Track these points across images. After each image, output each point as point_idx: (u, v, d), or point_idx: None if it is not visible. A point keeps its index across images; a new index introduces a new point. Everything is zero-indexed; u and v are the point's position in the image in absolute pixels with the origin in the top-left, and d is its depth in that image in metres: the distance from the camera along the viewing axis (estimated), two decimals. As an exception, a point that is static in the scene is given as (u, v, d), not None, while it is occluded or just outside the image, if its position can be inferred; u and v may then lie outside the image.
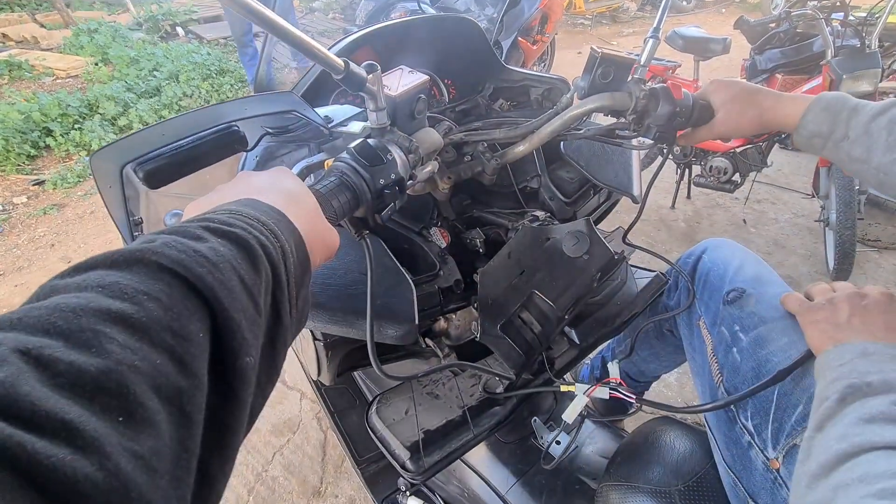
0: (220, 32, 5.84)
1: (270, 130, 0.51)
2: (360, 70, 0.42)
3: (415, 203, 0.79)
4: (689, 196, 2.83)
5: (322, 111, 0.51)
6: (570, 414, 0.69)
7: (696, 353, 0.76)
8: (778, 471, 0.54)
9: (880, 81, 2.00)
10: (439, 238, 0.81)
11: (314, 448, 1.60)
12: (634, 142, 0.84)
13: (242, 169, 0.65)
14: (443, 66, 0.99)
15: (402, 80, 0.49)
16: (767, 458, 0.56)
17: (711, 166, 2.42)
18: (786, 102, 0.64)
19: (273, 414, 1.72)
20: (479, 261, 0.87)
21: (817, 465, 0.37)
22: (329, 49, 0.73)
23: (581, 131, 0.80)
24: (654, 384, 1.21)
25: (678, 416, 1.56)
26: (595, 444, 0.93)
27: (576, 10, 6.58)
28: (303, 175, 0.48)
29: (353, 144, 0.44)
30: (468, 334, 0.88)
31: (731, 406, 0.63)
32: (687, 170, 2.59)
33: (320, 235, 0.37)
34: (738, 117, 0.66)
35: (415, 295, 0.61)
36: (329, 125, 0.49)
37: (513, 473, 0.91)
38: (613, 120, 0.80)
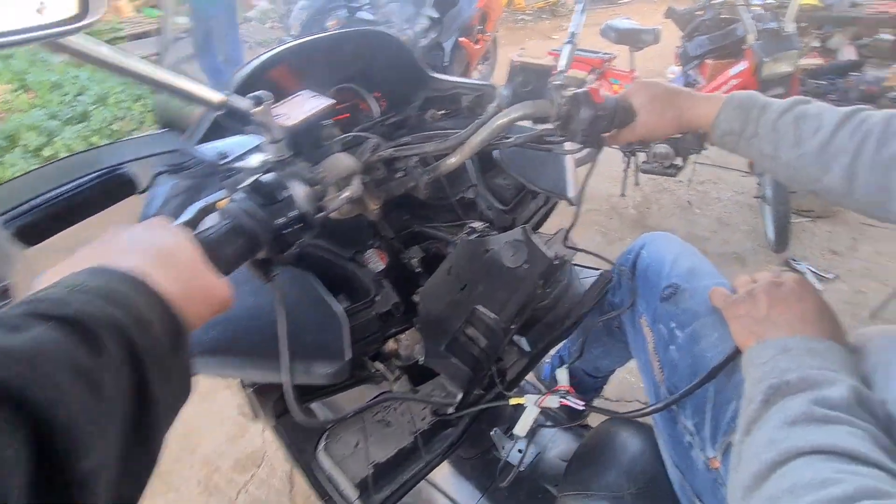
0: (150, 49, 5.55)
1: (164, 169, 0.47)
2: (243, 103, 0.39)
3: (346, 227, 0.76)
4: (637, 183, 2.92)
5: (217, 145, 0.48)
6: (521, 427, 0.68)
7: (640, 351, 0.77)
8: (718, 470, 0.55)
9: (798, 62, 2.12)
10: (377, 260, 0.78)
11: (281, 480, 1.53)
12: (566, 145, 0.84)
13: (147, 210, 0.60)
14: (370, 80, 0.96)
15: (305, 107, 0.46)
16: (707, 458, 0.57)
17: (655, 153, 2.50)
18: (701, 103, 0.65)
19: (235, 449, 1.64)
20: (421, 278, 0.85)
21: (749, 476, 0.37)
22: (240, 71, 0.69)
23: (511, 139, 0.79)
24: (615, 373, 1.23)
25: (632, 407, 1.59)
26: (557, 447, 0.93)
27: (516, 7, 6.68)
28: (197, 219, 0.44)
29: (244, 184, 0.41)
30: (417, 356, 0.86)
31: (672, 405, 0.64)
32: (633, 158, 2.66)
33: (202, 291, 0.34)
34: (657, 118, 0.67)
35: (346, 328, 0.58)
36: (223, 161, 0.45)
37: (477, 488, 0.90)
38: (542, 126, 0.80)
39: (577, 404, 0.64)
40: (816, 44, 4.40)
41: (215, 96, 0.37)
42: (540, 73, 0.65)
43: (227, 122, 0.38)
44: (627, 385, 1.72)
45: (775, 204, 2.13)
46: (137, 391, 0.27)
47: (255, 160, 0.45)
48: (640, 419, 0.69)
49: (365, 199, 0.73)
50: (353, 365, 0.84)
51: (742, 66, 2.24)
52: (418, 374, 0.85)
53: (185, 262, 0.34)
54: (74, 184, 0.44)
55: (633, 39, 2.54)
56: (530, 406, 0.68)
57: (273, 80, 0.77)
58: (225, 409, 1.78)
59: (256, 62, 0.67)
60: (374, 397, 0.63)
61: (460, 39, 3.45)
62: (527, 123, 0.87)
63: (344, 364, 0.55)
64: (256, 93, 0.40)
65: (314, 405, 1.16)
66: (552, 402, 0.67)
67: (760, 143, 0.60)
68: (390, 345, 0.89)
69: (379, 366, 0.85)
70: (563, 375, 0.71)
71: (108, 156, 0.44)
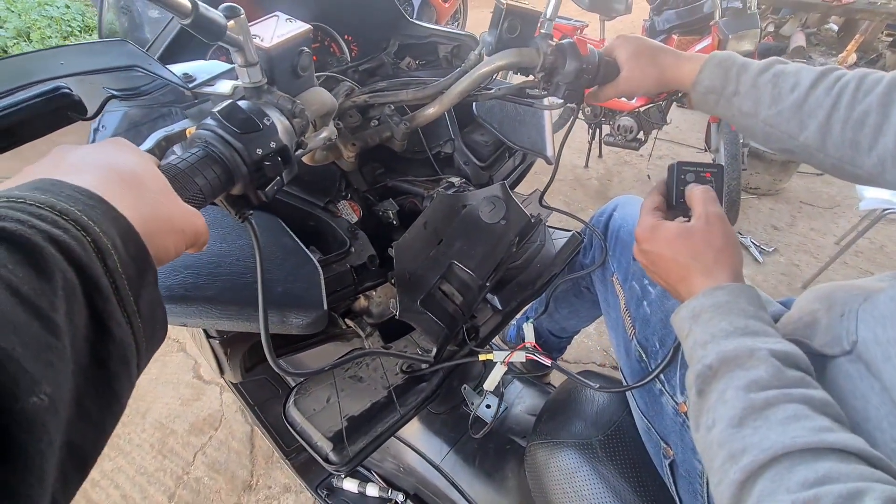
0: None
1: (116, 93, 0.41)
2: (215, 14, 0.34)
3: (318, 175, 0.71)
4: (600, 155, 2.97)
5: (182, 67, 0.42)
6: (490, 382, 0.69)
7: (611, 308, 0.79)
8: (685, 414, 0.58)
9: (758, 41, 2.19)
10: (349, 212, 0.75)
11: (240, 442, 1.50)
12: (546, 101, 0.83)
13: (92, 143, 0.53)
14: (342, 21, 0.90)
15: (277, 30, 0.42)
16: (676, 403, 0.60)
17: (619, 125, 2.54)
18: (684, 61, 0.65)
19: (190, 412, 1.58)
20: (395, 233, 0.82)
21: (727, 496, 0.36)
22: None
23: (491, 91, 0.77)
24: (575, 337, 1.27)
25: (597, 368, 1.66)
26: (524, 402, 0.95)
27: (487, -32, 6.45)
28: (160, 148, 0.39)
29: (218, 108, 0.36)
30: (390, 311, 0.84)
31: (643, 357, 0.67)
32: (598, 130, 2.70)
33: (170, 221, 0.30)
34: (640, 74, 0.67)
35: (322, 277, 0.55)
36: (190, 84, 0.40)
37: (446, 442, 0.91)
38: (523, 79, 0.77)
39: (544, 360, 0.65)
40: (770, 28, 4.58)
41: (183, 2, 0.32)
42: (528, 18, 0.62)
43: (195, 32, 0.33)
44: (585, 348, 1.79)
45: (728, 180, 2.23)
46: (95, 324, 0.24)
47: (225, 86, 0.41)
48: (607, 375, 0.71)
49: (339, 146, 0.69)
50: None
51: (707, 41, 2.29)
52: (389, 332, 0.84)
53: (149, 187, 0.30)
54: (7, 102, 0.37)
55: (605, 7, 2.50)
56: (498, 364, 0.69)
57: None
58: (179, 373, 1.71)
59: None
60: (349, 352, 0.61)
61: (430, -4, 3.30)
62: (506, 77, 0.84)
63: (321, 314, 0.52)
64: (228, 4, 0.36)
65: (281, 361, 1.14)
66: (519, 357, 0.68)
67: (741, 101, 0.61)
68: (361, 301, 0.87)
69: (350, 323, 0.83)
70: (529, 330, 0.72)
71: (41, 65, 0.37)
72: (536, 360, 0.75)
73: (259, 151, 0.37)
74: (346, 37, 0.91)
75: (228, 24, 0.35)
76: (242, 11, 0.37)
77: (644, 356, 0.67)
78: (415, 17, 3.41)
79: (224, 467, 1.45)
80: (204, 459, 1.47)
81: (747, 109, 0.61)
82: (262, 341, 0.43)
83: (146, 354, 0.29)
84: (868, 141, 0.53)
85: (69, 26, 3.75)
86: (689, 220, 0.52)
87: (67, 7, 4.00)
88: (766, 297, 0.68)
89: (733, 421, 0.37)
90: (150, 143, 0.39)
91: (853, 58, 3.89)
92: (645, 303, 0.69)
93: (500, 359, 0.69)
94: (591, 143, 2.79)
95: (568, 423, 0.70)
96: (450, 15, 3.73)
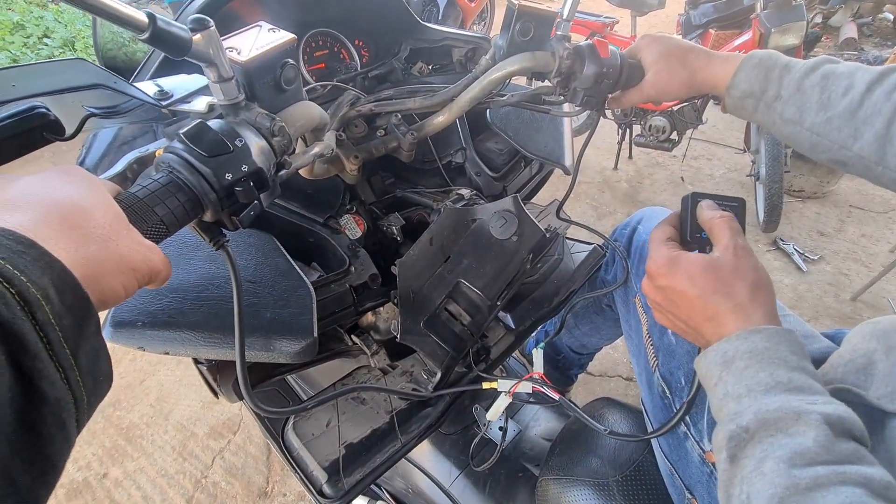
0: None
1: (95, 111, 0.39)
2: (178, 28, 0.31)
3: (321, 188, 0.68)
4: (630, 156, 2.86)
5: (160, 82, 0.40)
6: (494, 412, 0.64)
7: (633, 332, 0.73)
8: (714, 464, 0.52)
9: (804, 34, 2.04)
10: (353, 226, 0.72)
11: (258, 447, 1.51)
12: (565, 107, 0.77)
13: (83, 163, 0.52)
14: (352, 26, 0.87)
15: (258, 42, 0.39)
16: (703, 451, 0.54)
17: (650, 125, 2.43)
18: (717, 62, 0.58)
19: (210, 415, 1.60)
20: (403, 248, 0.79)
21: None
22: (191, 4, 0.60)
23: (504, 97, 0.72)
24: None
25: (622, 389, 1.57)
26: (539, 425, 0.90)
27: (515, -35, 6.34)
28: (132, 171, 0.37)
29: (185, 129, 0.33)
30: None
31: (666, 393, 0.60)
32: (628, 130, 2.59)
33: (119, 260, 0.27)
34: (668, 78, 0.60)
35: (314, 302, 0.52)
36: (165, 102, 0.38)
37: (456, 466, 0.87)
38: (539, 84, 0.72)
39: (551, 394, 0.59)
40: (818, 20, 4.30)
41: (139, 16, 0.29)
42: (543, 19, 0.57)
43: (156, 48, 0.31)
44: (611, 360, 1.71)
45: (768, 183, 2.09)
46: (22, 385, 0.21)
47: (201, 103, 0.38)
48: (629, 403, 0.65)
49: (342, 158, 0.66)
50: (328, 337, 0.79)
51: (747, 36, 2.15)
52: (397, 348, 0.80)
53: (97, 223, 0.27)
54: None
55: (637, 3, 2.40)
56: (503, 396, 0.64)
57: (235, 16, 0.68)
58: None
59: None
60: (345, 378, 0.58)
61: (455, -5, 3.25)
62: (522, 80, 0.79)
63: (310, 342, 0.49)
64: (195, 16, 0.33)
65: (291, 377, 1.12)
66: (525, 387, 0.63)
67: (783, 107, 0.54)
68: (368, 317, 0.83)
69: (356, 339, 0.80)
70: (537, 358, 0.66)
71: (3, 85, 0.35)
72: (560, 371, 0.70)
73: (229, 176, 0.34)
74: (356, 42, 0.88)
75: (194, 37, 0.32)
76: (212, 23, 0.34)
77: (667, 392, 0.61)
78: (440, 17, 3.39)
79: (241, 472, 1.45)
80: (222, 463, 1.48)
81: (791, 116, 0.54)
82: (239, 378, 0.40)
83: (88, 410, 0.26)
84: None
85: (109, 35, 3.92)
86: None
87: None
88: (809, 331, 0.61)
89: (772, 501, 0.31)
90: (120, 166, 0.37)
91: (912, 49, 3.61)
92: (669, 331, 0.63)
93: (504, 388, 0.64)
94: (620, 144, 2.68)
95: (583, 459, 0.65)
96: (476, 14, 3.67)
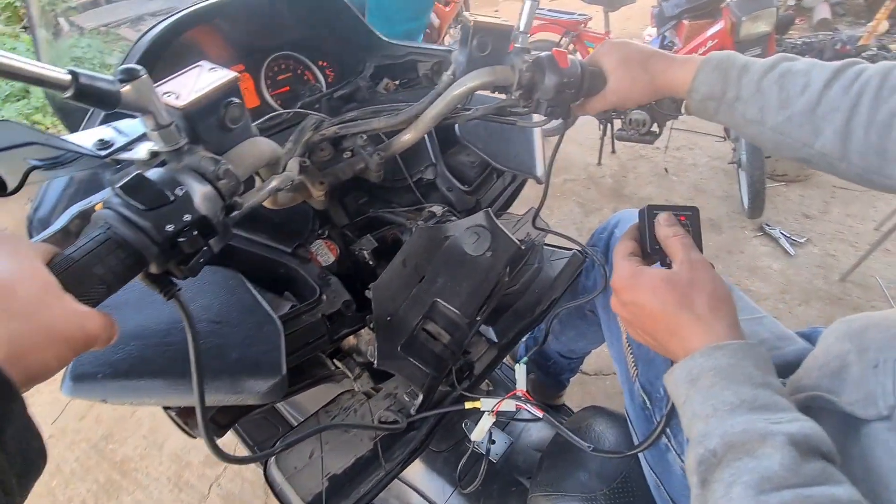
0: (100, 19, 5.11)
1: (38, 163, 0.38)
2: (104, 82, 0.30)
3: (288, 217, 0.67)
4: (613, 151, 2.86)
5: (102, 130, 0.38)
6: (478, 433, 0.63)
7: (614, 339, 0.72)
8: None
9: (775, 20, 2.06)
10: (325, 252, 0.71)
11: (254, 472, 1.49)
12: (534, 116, 0.76)
13: (36, 215, 0.50)
14: (314, 47, 0.86)
15: (198, 84, 0.38)
16: (684, 464, 0.53)
17: (631, 119, 2.41)
18: (677, 66, 0.58)
19: (204, 444, 1.58)
20: (379, 269, 0.78)
21: None
22: (143, 38, 0.58)
23: (470, 111, 0.71)
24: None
25: (612, 393, 1.56)
26: (530, 436, 0.89)
27: (489, -35, 6.35)
28: (75, 226, 0.35)
29: (121, 182, 0.32)
30: (378, 351, 0.80)
31: (647, 404, 0.60)
32: (609, 125, 2.59)
33: (49, 332, 0.26)
34: (630, 84, 0.60)
35: (282, 337, 0.51)
36: (105, 152, 0.37)
37: (449, 483, 0.86)
38: (504, 96, 0.72)
39: (534, 411, 0.59)
40: (791, 2, 4.34)
41: (60, 75, 0.28)
42: (499, 33, 0.56)
43: (83, 104, 0.30)
44: (605, 358, 1.70)
45: (750, 169, 2.10)
46: None
47: (142, 151, 0.37)
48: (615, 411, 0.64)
49: (307, 185, 0.65)
50: (310, 363, 0.78)
51: (720, 25, 2.16)
52: (381, 370, 0.80)
53: (21, 297, 0.26)
54: None
55: (609, -1, 2.42)
56: (486, 416, 0.64)
57: (190, 47, 0.67)
58: (193, 402, 1.71)
59: (165, 24, 0.57)
60: (329, 404, 0.57)
61: (429, 1, 3.25)
62: (488, 93, 0.79)
63: (279, 380, 0.48)
64: (124, 66, 0.32)
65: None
66: (508, 406, 0.63)
67: (744, 108, 0.53)
68: (350, 340, 0.82)
69: (338, 363, 0.79)
70: (521, 374, 0.66)
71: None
72: (552, 377, 0.69)
73: (170, 228, 0.33)
74: (320, 63, 0.87)
75: (124, 89, 0.31)
76: (143, 72, 0.33)
77: (647, 402, 0.60)
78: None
79: (238, 499, 1.44)
80: (219, 492, 1.46)
81: (752, 116, 0.54)
82: (201, 430, 0.39)
83: (21, 490, 0.25)
84: None
85: (92, 64, 3.88)
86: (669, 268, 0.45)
87: (89, 46, 4.14)
88: (784, 333, 0.60)
89: None
90: (61, 222, 0.36)
91: (885, 26, 3.64)
92: (647, 340, 0.62)
93: (487, 407, 0.63)
94: (602, 140, 2.69)
95: (571, 473, 0.64)
96: (452, 18, 3.68)
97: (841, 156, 0.49)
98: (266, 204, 0.61)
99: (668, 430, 0.56)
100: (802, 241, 2.15)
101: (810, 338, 0.58)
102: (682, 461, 0.54)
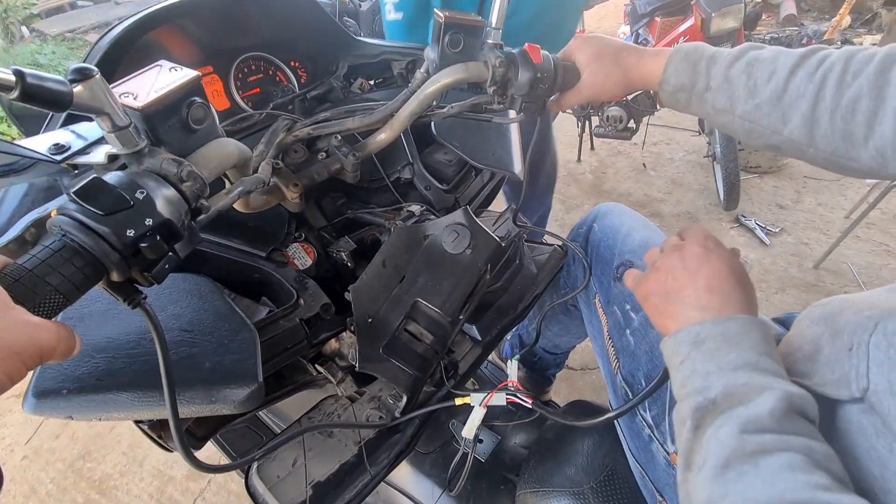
0: (65, 25, 4.96)
1: (-9, 171, 0.36)
2: (53, 83, 0.29)
3: (262, 220, 0.66)
4: (592, 147, 2.90)
5: (59, 134, 0.37)
6: (469, 429, 0.63)
7: (596, 333, 0.72)
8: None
9: (743, 15, 2.10)
10: (302, 255, 0.69)
11: (238, 484, 1.45)
12: (510, 113, 0.76)
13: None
14: (285, 47, 0.84)
15: (157, 83, 0.36)
16: (668, 453, 0.54)
17: (608, 116, 2.46)
18: (647, 58, 0.58)
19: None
20: (358, 270, 0.77)
21: None
22: (104, 37, 0.56)
23: (445, 109, 0.71)
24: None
25: (597, 387, 1.58)
26: (517, 435, 0.89)
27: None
28: (31, 235, 0.34)
29: (76, 186, 0.31)
30: (361, 354, 0.79)
31: (629, 395, 0.60)
32: (587, 122, 2.62)
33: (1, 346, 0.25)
34: (604, 78, 0.60)
35: (258, 344, 0.49)
36: (60, 157, 0.35)
37: (437, 485, 0.85)
38: (478, 92, 0.71)
39: (525, 402, 0.58)
40: (759, -2, 4.46)
41: (4, 75, 0.27)
42: (470, 29, 0.56)
43: (32, 105, 0.28)
44: (590, 353, 1.72)
45: (725, 162, 2.14)
46: None
47: (100, 154, 0.35)
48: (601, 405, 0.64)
49: (280, 187, 0.63)
50: (291, 370, 0.76)
51: (690, 22, 2.21)
52: (365, 373, 0.78)
53: None
54: None
55: (582, -3, 2.44)
56: (476, 408, 0.63)
57: (154, 48, 0.65)
58: (174, 415, 1.67)
59: (126, 24, 0.55)
60: (311, 410, 0.55)
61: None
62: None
63: (255, 388, 0.47)
64: (76, 65, 0.30)
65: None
66: (499, 399, 0.62)
67: (714, 98, 0.54)
68: (332, 344, 0.81)
69: (320, 368, 0.78)
70: (512, 368, 0.65)
71: None
72: (539, 373, 0.69)
73: (131, 233, 0.31)
74: (292, 63, 0.85)
75: (76, 89, 0.30)
76: (96, 72, 0.31)
77: (630, 395, 0.61)
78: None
79: (224, 512, 1.40)
80: (204, 505, 1.42)
81: (722, 106, 0.55)
82: (175, 442, 0.37)
83: None
84: (862, 131, 0.46)
85: (56, 71, 3.79)
86: None
87: (53, 52, 4.02)
88: (761, 318, 0.62)
89: (719, 462, 0.33)
90: (15, 231, 0.34)
91: (848, 20, 3.77)
92: (628, 331, 0.63)
93: (477, 402, 0.63)
94: (581, 136, 2.71)
95: (559, 468, 0.64)
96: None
97: (809, 142, 0.50)
98: (239, 207, 0.59)
99: (650, 419, 0.56)
100: (777, 230, 2.21)
101: (786, 323, 0.59)
102: (666, 450, 0.54)
